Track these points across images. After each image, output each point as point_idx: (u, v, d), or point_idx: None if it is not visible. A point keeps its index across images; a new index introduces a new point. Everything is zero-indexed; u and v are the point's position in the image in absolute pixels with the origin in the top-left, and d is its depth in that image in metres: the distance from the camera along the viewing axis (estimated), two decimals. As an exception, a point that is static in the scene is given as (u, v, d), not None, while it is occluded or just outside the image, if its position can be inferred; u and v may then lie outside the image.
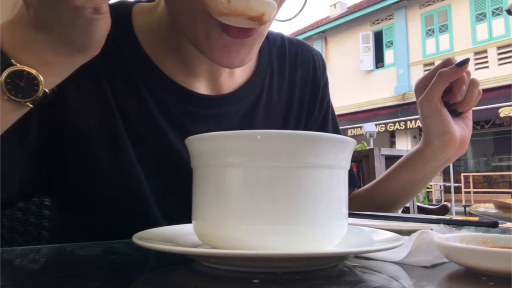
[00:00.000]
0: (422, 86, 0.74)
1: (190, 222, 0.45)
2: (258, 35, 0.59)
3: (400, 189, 0.80)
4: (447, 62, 0.70)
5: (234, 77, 0.74)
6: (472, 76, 0.71)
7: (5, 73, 0.42)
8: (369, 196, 0.83)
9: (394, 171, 0.80)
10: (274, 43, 0.80)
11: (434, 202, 11.13)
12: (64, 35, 0.42)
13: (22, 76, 0.42)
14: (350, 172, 0.81)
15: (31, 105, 0.44)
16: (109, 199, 0.64)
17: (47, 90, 0.44)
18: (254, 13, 0.50)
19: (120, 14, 0.67)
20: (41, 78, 0.43)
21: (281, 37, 0.82)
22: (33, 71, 0.42)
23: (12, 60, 0.42)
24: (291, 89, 0.80)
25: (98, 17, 0.42)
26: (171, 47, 0.68)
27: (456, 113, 0.73)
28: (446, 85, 0.69)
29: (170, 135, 0.66)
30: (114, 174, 0.63)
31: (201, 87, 0.70)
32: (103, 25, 0.43)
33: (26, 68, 0.42)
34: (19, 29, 0.43)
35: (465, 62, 0.68)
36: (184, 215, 0.50)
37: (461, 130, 0.73)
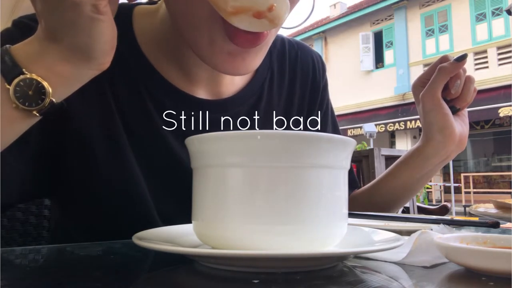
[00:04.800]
0: (420, 84, 0.75)
1: (188, 223, 0.45)
2: (264, 43, 0.58)
3: (400, 189, 0.80)
4: (443, 59, 0.72)
5: (234, 81, 0.73)
6: (471, 76, 0.72)
7: (15, 81, 0.44)
8: (369, 196, 0.83)
9: (394, 171, 0.80)
10: (275, 46, 0.80)
11: (434, 202, 11.13)
12: (71, 42, 0.44)
13: (31, 85, 0.44)
14: (350, 173, 0.81)
15: (38, 114, 0.46)
16: (109, 201, 0.64)
17: (54, 100, 0.45)
18: (263, 7, 0.48)
19: (120, 16, 0.67)
20: (49, 88, 0.45)
21: (281, 39, 0.82)
22: (42, 81, 0.44)
23: (24, 70, 0.44)
24: (291, 92, 0.80)
25: (98, 17, 0.43)
26: (172, 51, 0.68)
27: (453, 110, 0.74)
28: (446, 79, 0.71)
29: (170, 139, 0.66)
30: (114, 176, 0.63)
31: (201, 92, 0.70)
32: (106, 29, 0.44)
33: (36, 77, 0.44)
34: (34, 42, 0.46)
35: (464, 57, 0.70)
36: (183, 217, 0.50)
37: (460, 126, 0.74)
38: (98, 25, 0.43)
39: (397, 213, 0.87)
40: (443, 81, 0.71)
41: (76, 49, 0.44)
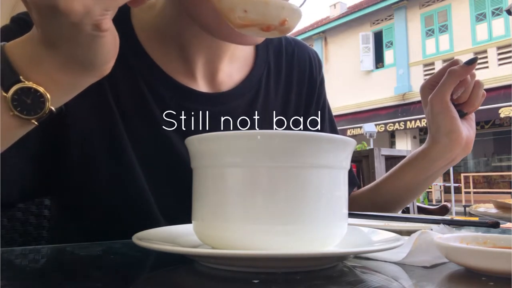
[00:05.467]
0: (428, 86, 0.75)
1: (190, 222, 0.45)
2: None
3: (402, 190, 0.80)
4: (454, 62, 0.72)
5: (232, 75, 0.74)
6: (480, 81, 0.72)
7: (12, 89, 0.41)
8: (370, 197, 0.83)
9: (398, 172, 0.80)
10: (271, 41, 0.81)
11: (434, 202, 11.14)
12: (70, 53, 0.42)
13: (29, 93, 0.42)
14: (350, 171, 0.81)
15: (36, 123, 0.44)
16: (109, 200, 0.64)
17: (53, 109, 0.43)
18: (274, 21, 0.46)
19: (119, 11, 0.67)
20: (48, 96, 0.42)
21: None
22: (41, 89, 0.42)
23: (21, 77, 0.42)
24: (288, 87, 0.80)
25: (99, 34, 0.40)
26: (171, 45, 0.68)
27: (461, 114, 0.73)
28: (456, 82, 0.71)
29: (170, 135, 0.66)
30: (114, 174, 0.63)
31: (200, 85, 0.71)
32: (108, 42, 0.41)
33: (33, 85, 0.42)
34: (30, 47, 0.43)
35: (474, 60, 0.70)
36: (184, 216, 0.50)
37: (466, 130, 0.74)
38: (98, 42, 0.41)
39: (397, 213, 0.87)
40: (452, 84, 0.70)
41: (75, 60, 0.42)
